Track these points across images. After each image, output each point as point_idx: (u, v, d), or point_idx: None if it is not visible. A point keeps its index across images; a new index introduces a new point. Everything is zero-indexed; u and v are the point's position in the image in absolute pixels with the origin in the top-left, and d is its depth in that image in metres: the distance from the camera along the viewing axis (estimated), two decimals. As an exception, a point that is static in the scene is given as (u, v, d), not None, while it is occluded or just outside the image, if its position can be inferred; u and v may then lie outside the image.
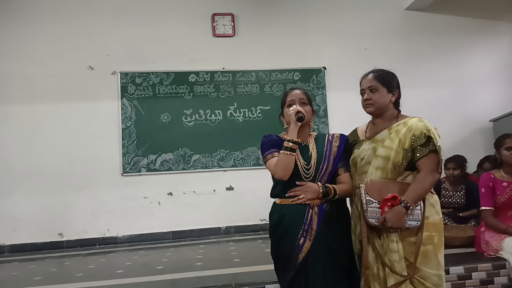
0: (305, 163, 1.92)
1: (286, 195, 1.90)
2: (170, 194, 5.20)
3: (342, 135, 2.03)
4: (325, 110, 5.51)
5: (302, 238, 1.82)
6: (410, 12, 5.70)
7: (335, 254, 1.84)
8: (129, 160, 5.16)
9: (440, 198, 3.97)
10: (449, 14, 5.74)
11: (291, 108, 1.92)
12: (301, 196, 1.86)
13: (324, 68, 5.55)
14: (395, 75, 2.03)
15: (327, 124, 5.49)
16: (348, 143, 2.05)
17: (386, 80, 1.97)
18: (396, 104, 2.01)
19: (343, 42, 5.60)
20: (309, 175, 1.90)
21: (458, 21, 5.77)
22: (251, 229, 5.04)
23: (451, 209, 3.92)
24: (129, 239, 4.98)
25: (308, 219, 1.84)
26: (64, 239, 4.91)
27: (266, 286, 2.49)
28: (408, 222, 1.77)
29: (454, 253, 3.06)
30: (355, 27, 5.64)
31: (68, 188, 5.00)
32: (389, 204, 1.78)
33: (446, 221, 3.77)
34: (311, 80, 5.54)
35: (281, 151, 1.86)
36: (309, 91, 5.50)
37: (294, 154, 1.86)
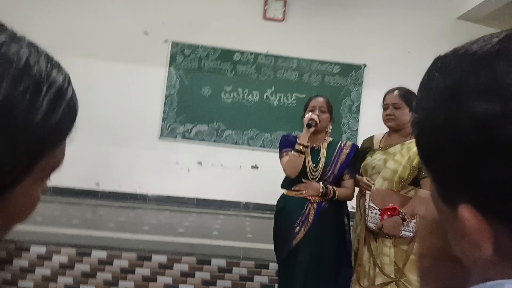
0: (314, 165, 2.18)
1: (292, 189, 2.19)
2: (200, 163, 5.57)
3: (353, 145, 2.26)
4: (358, 107, 5.61)
5: (298, 227, 2.13)
6: (462, 22, 5.58)
7: (325, 246, 2.13)
8: (167, 126, 5.54)
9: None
10: (502, 29, 5.57)
11: (307, 115, 2.15)
12: (304, 192, 2.14)
13: (365, 65, 5.61)
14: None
15: (358, 120, 5.61)
16: (359, 152, 2.25)
17: (410, 100, 2.10)
18: None
19: (388, 41, 5.59)
20: (316, 176, 2.17)
21: None
22: (268, 208, 5.31)
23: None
24: (157, 198, 5.43)
25: (306, 212, 2.14)
26: (100, 188, 5.42)
27: (270, 264, 2.80)
28: (403, 232, 2.00)
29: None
30: (402, 28, 5.60)
31: (109, 142, 5.45)
32: (388, 213, 2.02)
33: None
34: (350, 75, 5.62)
35: (291, 152, 2.14)
36: (346, 86, 5.61)
37: (303, 155, 2.13)
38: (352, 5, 5.63)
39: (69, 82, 0.39)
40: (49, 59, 0.37)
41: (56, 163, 0.40)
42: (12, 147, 0.32)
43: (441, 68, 0.36)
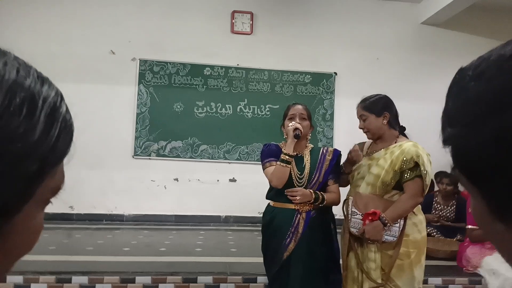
0: (299, 173, 2.15)
1: (285, 192, 2.11)
2: (176, 179, 5.47)
3: (335, 150, 2.25)
4: (332, 114, 5.71)
5: (288, 239, 2.08)
6: (426, 26, 5.82)
7: (316, 256, 2.09)
8: (141, 144, 5.43)
9: (431, 211, 4.22)
10: (464, 32, 5.83)
11: (291, 124, 2.11)
12: (297, 197, 2.07)
13: (335, 73, 5.72)
14: (382, 98, 2.18)
15: (332, 128, 5.69)
16: (340, 157, 2.26)
17: (372, 107, 2.14)
18: (392, 124, 2.16)
19: (356, 50, 5.74)
20: (302, 183, 2.14)
21: (472, 40, 5.85)
22: (249, 221, 5.30)
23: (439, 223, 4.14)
24: (134, 218, 5.27)
25: (296, 223, 2.09)
26: (74, 212, 5.21)
27: (258, 277, 2.75)
28: (385, 237, 1.99)
29: (436, 264, 3.29)
30: (369, 36, 5.78)
31: (82, 164, 5.24)
32: (369, 218, 2.01)
33: (434, 233, 4.00)
34: (321, 84, 5.72)
35: (278, 162, 2.09)
36: (318, 95, 5.70)
37: (289, 166, 2.09)
38: (317, 17, 5.76)
39: (62, 97, 0.37)
40: (38, 73, 0.35)
41: (56, 185, 0.37)
42: (8, 172, 0.29)
43: (475, 76, 0.33)
